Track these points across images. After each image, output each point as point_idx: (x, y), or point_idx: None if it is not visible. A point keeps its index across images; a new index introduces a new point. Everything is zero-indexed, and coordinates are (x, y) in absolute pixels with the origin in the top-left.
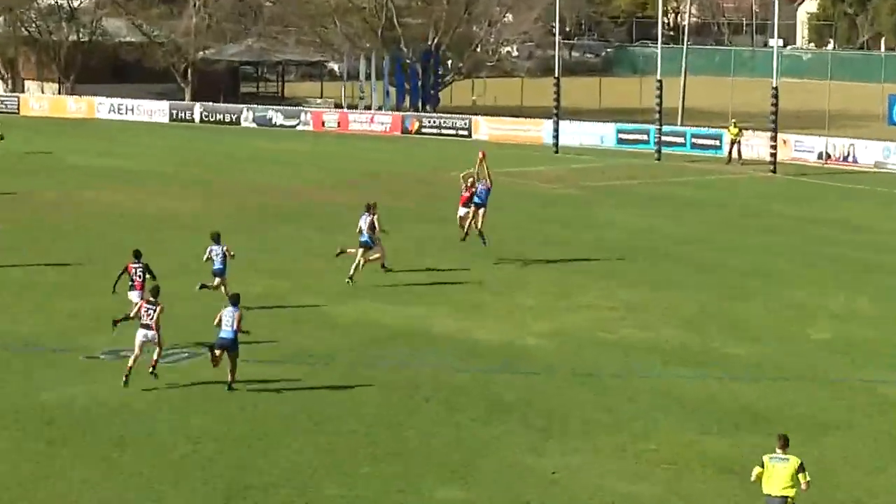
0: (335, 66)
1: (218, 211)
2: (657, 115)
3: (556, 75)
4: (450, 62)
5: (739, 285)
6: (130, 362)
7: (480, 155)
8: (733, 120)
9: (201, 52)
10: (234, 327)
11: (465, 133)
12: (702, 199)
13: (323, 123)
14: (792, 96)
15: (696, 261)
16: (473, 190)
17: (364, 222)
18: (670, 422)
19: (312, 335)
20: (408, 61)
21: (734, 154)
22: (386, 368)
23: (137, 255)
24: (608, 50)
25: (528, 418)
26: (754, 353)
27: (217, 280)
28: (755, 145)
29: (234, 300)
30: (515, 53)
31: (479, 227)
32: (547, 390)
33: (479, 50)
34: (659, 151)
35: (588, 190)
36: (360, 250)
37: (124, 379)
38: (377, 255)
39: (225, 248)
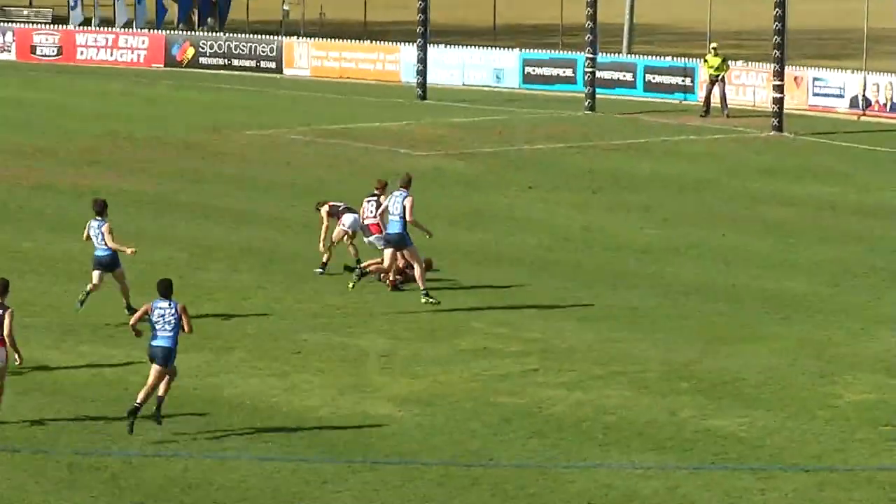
0: None
1: None
2: (589, 37)
3: None
4: None
5: (729, 319)
6: None
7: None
8: (713, 45)
9: None
10: (174, 331)
11: (272, 65)
12: (665, 178)
13: (33, 49)
14: (809, 5)
15: (660, 280)
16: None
17: (395, 202)
18: None
19: (4, 401)
20: None
21: (714, 99)
22: (128, 460)
23: None
24: None
25: None
26: (754, 427)
27: (97, 275)
28: (750, 86)
29: (166, 289)
30: None
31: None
32: (407, 496)
33: None
34: (592, 96)
35: (480, 160)
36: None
37: None
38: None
39: (104, 228)
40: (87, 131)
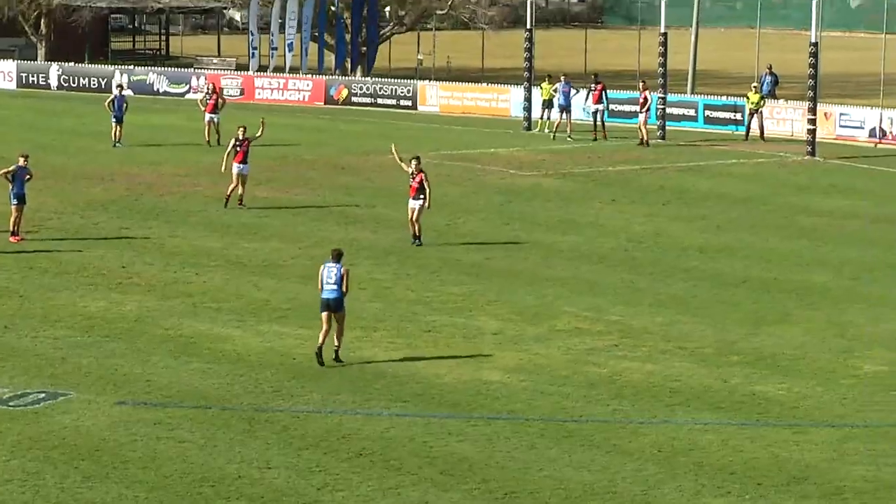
0: (236, 15)
1: None
2: (660, 80)
3: (528, 27)
4: (388, 10)
5: (770, 305)
6: None
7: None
8: (754, 85)
9: None
10: (342, 287)
11: (409, 103)
12: (720, 194)
13: (221, 91)
14: (837, 54)
15: (714, 273)
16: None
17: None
18: (678, 484)
19: (198, 368)
20: (333, 8)
21: (754, 129)
22: (296, 415)
23: None
24: None
25: (490, 482)
26: (790, 392)
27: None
28: (788, 120)
29: (338, 257)
30: None
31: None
32: (514, 445)
33: None
34: (663, 128)
35: (572, 179)
36: None
37: None
38: None
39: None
40: (266, 155)
